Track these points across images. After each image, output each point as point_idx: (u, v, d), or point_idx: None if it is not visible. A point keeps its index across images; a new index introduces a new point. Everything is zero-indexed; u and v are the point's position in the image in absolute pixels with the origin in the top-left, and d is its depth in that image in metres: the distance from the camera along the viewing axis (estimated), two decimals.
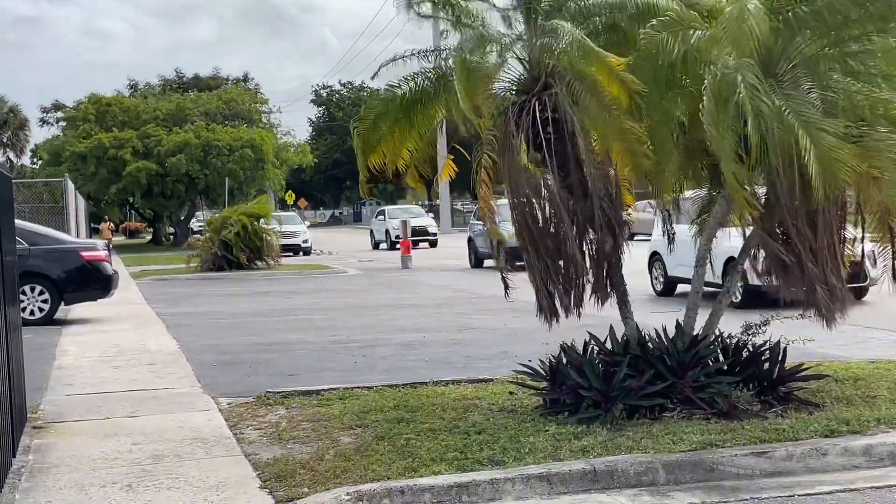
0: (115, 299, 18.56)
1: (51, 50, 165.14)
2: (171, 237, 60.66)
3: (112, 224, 62.60)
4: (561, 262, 8.26)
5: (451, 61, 8.36)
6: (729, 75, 7.14)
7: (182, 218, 58.54)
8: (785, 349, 8.24)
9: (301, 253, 40.19)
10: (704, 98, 7.19)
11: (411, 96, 8.63)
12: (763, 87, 7.12)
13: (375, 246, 44.55)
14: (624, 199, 8.62)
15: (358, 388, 9.57)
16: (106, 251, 17.52)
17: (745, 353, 8.28)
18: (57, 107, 62.84)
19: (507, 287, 8.49)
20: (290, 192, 60.45)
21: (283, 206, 62.53)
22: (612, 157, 8.40)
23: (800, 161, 7.00)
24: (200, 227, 46.25)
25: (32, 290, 16.47)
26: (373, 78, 9.35)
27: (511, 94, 8.43)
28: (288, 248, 39.09)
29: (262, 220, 30.85)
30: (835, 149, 6.95)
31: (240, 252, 29.67)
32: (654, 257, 18.14)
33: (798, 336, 8.64)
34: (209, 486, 6.56)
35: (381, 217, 46.22)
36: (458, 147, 9.35)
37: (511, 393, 8.82)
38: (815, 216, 7.79)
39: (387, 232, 43.52)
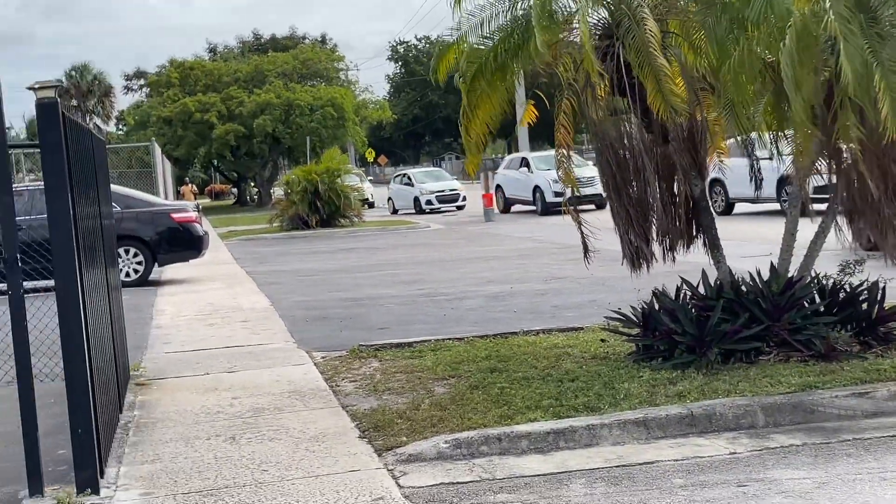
0: (206, 259, 18.94)
1: (131, 15, 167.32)
2: (256, 198, 61.44)
3: (194, 186, 63.57)
4: (645, 209, 8.17)
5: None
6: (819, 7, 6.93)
7: (266, 178, 59.28)
8: (884, 289, 8.05)
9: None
10: (787, 36, 6.99)
11: (504, 47, 8.16)
12: (854, 20, 6.89)
13: None
14: (716, 143, 8.49)
15: (449, 339, 9.63)
16: (196, 212, 17.85)
17: (841, 294, 8.11)
18: (139, 74, 63.88)
19: (586, 250, 8.49)
20: (370, 149, 60.65)
21: (363, 163, 62.75)
22: (699, 98, 8.27)
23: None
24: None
25: (127, 252, 16.85)
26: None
27: (595, 40, 8.30)
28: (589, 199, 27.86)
29: (342, 177, 30.84)
30: None
31: (312, 212, 29.46)
32: None
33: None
34: (309, 436, 6.69)
35: None
36: (538, 92, 9.22)
37: (603, 340, 8.80)
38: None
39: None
